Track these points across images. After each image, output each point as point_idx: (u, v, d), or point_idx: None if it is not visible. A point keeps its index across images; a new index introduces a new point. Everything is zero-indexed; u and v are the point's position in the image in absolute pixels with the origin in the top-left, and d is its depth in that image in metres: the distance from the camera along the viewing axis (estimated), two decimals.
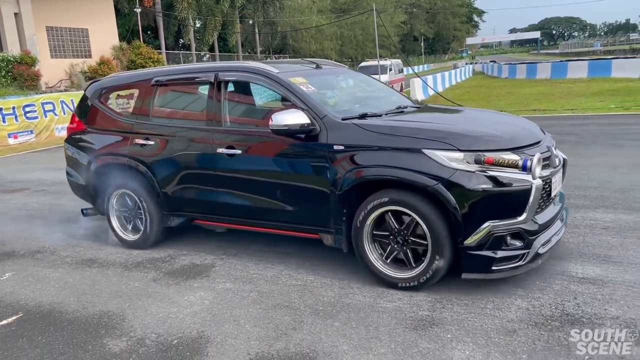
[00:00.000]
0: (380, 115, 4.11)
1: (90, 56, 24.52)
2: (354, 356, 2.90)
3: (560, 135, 8.96)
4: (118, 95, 5.39)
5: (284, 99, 4.25)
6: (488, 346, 2.90)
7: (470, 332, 3.05)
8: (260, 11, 43.91)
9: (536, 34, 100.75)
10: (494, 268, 3.38)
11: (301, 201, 4.05)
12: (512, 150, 3.50)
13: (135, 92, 5.08)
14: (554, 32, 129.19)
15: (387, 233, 3.69)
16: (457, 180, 3.34)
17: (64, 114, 16.31)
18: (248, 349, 3.06)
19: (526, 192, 3.34)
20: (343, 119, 3.91)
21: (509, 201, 3.37)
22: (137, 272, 4.42)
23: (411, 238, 3.60)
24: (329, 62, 5.46)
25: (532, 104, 16.05)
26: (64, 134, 16.11)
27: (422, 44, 79.39)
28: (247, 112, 4.97)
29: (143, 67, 25.06)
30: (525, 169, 3.33)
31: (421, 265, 3.56)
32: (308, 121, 3.83)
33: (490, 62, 44.46)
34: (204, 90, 4.65)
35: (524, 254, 3.42)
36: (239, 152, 4.23)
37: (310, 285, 3.91)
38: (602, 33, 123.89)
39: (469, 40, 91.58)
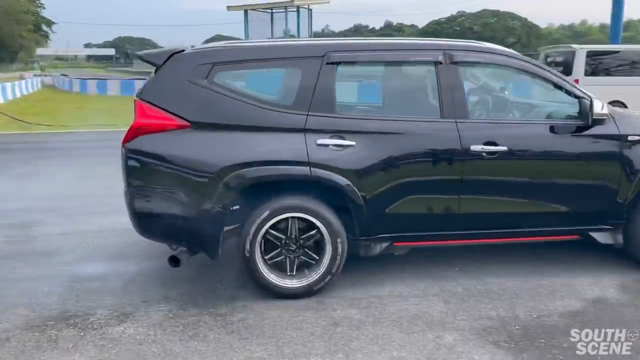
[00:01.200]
0: None
1: None
2: None
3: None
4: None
5: (560, 87, 3.91)
6: None
7: None
8: None
9: (111, 51, 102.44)
10: None
11: (582, 199, 3.87)
12: None
13: (290, 71, 3.77)
14: (128, 50, 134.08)
15: None
16: None
17: None
18: None
19: None
20: None
21: None
22: None
23: None
24: None
25: (98, 120, 16.16)
26: None
27: None
28: (495, 101, 4.51)
29: None
30: None
31: None
32: (606, 110, 3.75)
33: (62, 75, 42.59)
34: (417, 72, 4.12)
35: None
36: (504, 148, 3.64)
37: None
38: None
39: (41, 51, 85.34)
